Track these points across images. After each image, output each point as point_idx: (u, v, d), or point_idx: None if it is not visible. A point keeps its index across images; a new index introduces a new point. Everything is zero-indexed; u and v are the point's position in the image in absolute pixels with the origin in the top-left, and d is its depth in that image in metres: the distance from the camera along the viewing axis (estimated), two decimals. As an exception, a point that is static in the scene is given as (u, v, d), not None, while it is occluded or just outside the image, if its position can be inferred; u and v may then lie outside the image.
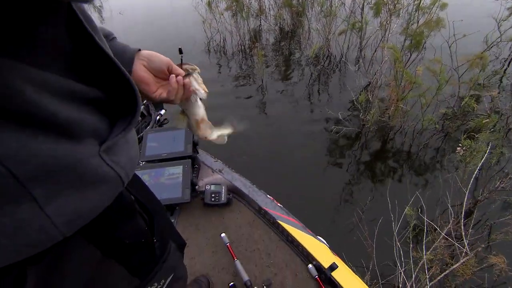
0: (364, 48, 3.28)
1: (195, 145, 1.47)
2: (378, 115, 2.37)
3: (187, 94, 0.57)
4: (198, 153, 1.52)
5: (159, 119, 2.26)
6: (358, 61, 3.35)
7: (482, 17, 4.02)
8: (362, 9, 3.06)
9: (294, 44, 4.19)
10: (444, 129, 2.55)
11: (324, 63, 3.63)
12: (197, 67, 0.59)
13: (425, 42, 2.73)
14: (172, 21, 5.33)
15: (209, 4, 3.85)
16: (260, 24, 4.64)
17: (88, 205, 0.37)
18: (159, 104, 2.33)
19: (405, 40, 2.96)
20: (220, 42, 4.18)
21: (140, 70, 0.53)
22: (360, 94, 2.46)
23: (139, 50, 0.54)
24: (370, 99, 2.40)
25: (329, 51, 3.64)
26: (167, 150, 1.43)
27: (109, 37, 0.54)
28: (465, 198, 1.71)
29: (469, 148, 1.74)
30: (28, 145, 0.29)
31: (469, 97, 2.40)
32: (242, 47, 4.04)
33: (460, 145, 1.92)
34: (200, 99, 0.60)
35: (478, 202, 1.85)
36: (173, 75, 0.54)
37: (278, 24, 4.58)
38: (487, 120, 2.03)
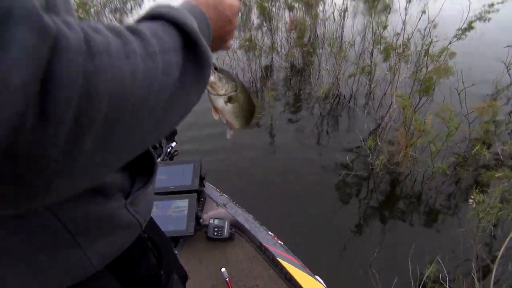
0: (373, 90, 3.32)
1: (202, 179, 1.51)
2: (386, 160, 2.35)
3: None
4: (204, 186, 1.55)
5: (169, 152, 2.31)
6: (368, 102, 3.38)
7: (491, 58, 4.08)
8: (372, 53, 3.15)
9: (304, 81, 4.29)
10: (455, 174, 2.49)
11: (334, 101, 3.68)
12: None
13: (434, 87, 2.75)
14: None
15: (223, 42, 4.03)
16: (272, 61, 4.80)
17: (116, 246, 0.46)
18: (170, 137, 2.38)
19: (414, 82, 3.00)
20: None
21: None
22: (368, 138, 2.46)
23: None
24: (379, 143, 2.39)
25: (338, 90, 3.70)
26: (175, 183, 1.49)
27: None
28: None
29: (482, 203, 1.68)
30: (81, 206, 0.38)
31: (480, 145, 2.37)
32: (254, 83, 4.15)
33: (472, 197, 1.87)
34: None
35: (495, 260, 1.76)
36: None
37: (289, 61, 4.73)
38: (499, 174, 1.98)
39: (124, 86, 0.25)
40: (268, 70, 4.54)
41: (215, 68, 0.60)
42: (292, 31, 4.56)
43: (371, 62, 3.06)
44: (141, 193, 0.49)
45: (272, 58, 4.79)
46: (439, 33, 3.10)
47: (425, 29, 3.13)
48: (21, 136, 0.20)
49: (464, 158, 2.56)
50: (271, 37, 5.80)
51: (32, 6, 0.20)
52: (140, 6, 14.32)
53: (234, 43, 4.17)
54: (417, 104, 2.91)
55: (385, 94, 3.04)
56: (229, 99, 0.66)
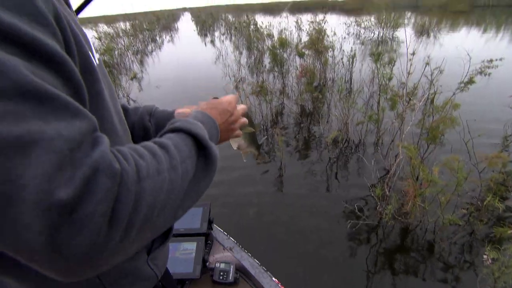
0: (381, 137, 3.38)
1: (210, 222, 1.57)
2: (395, 210, 2.33)
3: None
4: (212, 229, 1.60)
5: None
6: (376, 149, 3.43)
7: (497, 105, 4.13)
8: (378, 103, 3.26)
9: (314, 123, 4.41)
10: (468, 224, 2.44)
11: (343, 146, 3.74)
12: None
13: (441, 136, 2.80)
14: (202, 97, 5.86)
15: (236, 87, 4.27)
16: (283, 103, 4.99)
17: None
18: None
19: (421, 131, 3.05)
20: (244, 120, 4.49)
21: None
22: (377, 185, 2.47)
23: (174, 110, 0.76)
24: (387, 192, 2.40)
25: (347, 135, 3.78)
26: (184, 226, 1.54)
27: (153, 108, 0.78)
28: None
29: (497, 261, 1.64)
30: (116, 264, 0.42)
31: (491, 196, 2.34)
32: (264, 126, 4.29)
33: (486, 253, 1.82)
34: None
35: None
36: None
37: (299, 105, 4.90)
38: None
39: (157, 195, 0.36)
40: (278, 113, 4.71)
41: None
42: (302, 78, 4.78)
43: (378, 110, 3.16)
44: (160, 249, 0.64)
45: (283, 101, 4.99)
46: (444, 82, 3.22)
47: (431, 78, 3.26)
48: (98, 239, 0.30)
49: (476, 208, 2.51)
50: (282, 80, 6.09)
51: (109, 160, 0.32)
52: (160, 48, 15.28)
53: (246, 88, 4.40)
54: (425, 152, 2.94)
55: (392, 141, 3.10)
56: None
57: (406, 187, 2.25)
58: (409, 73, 2.92)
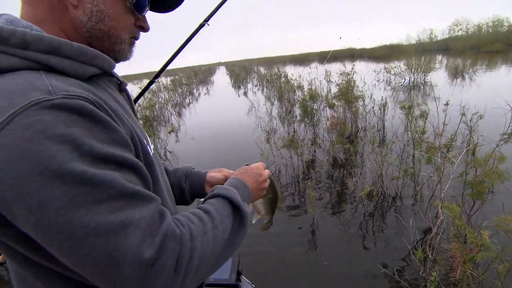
0: (419, 191, 3.20)
1: (239, 273, 1.56)
2: (442, 277, 2.12)
3: None
4: (240, 281, 1.56)
5: None
6: (414, 204, 3.23)
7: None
8: (413, 156, 3.16)
9: (346, 176, 4.31)
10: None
11: (378, 200, 3.58)
12: None
13: (488, 192, 2.59)
14: (235, 148, 6.07)
15: (267, 140, 4.40)
16: (315, 154, 5.00)
17: None
18: None
19: (464, 185, 2.86)
20: (275, 172, 4.53)
21: (207, 188, 0.90)
22: (417, 245, 2.29)
23: (207, 171, 0.93)
24: (430, 255, 2.21)
25: (382, 188, 3.63)
26: (214, 276, 1.54)
27: (189, 169, 0.94)
28: None
29: None
30: None
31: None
32: (296, 179, 4.28)
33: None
34: None
35: None
36: None
37: (331, 156, 4.88)
38: None
39: (205, 249, 0.52)
40: (310, 165, 4.70)
41: None
42: (333, 131, 4.82)
43: (413, 164, 3.04)
44: None
45: (314, 151, 5.00)
46: (484, 129, 3.05)
47: (470, 124, 3.12)
48: (169, 282, 0.46)
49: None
50: (313, 130, 6.17)
51: (173, 227, 0.49)
52: (196, 100, 16.39)
53: (278, 142, 4.52)
54: (471, 209, 2.72)
55: (432, 196, 2.91)
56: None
57: (452, 251, 2.06)
58: (444, 124, 2.85)
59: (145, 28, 0.64)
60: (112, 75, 0.63)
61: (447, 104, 2.74)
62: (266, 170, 0.86)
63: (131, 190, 0.45)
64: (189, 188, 0.92)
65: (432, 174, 2.81)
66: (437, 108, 3.72)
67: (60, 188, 0.39)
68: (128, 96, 0.70)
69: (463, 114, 2.94)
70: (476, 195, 2.56)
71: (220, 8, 1.34)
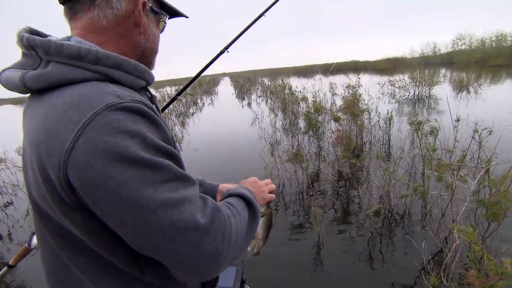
0: (429, 211, 3.07)
1: (242, 282, 1.57)
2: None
3: None
4: None
5: None
6: (424, 224, 3.10)
7: None
8: (423, 174, 3.04)
9: (352, 189, 4.20)
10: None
11: (385, 217, 3.45)
12: None
13: (504, 214, 2.47)
14: (238, 160, 5.98)
15: (272, 153, 4.31)
16: (319, 168, 4.89)
17: None
18: None
19: (477, 205, 2.73)
20: (279, 186, 4.42)
21: (218, 198, 0.99)
22: (430, 273, 2.17)
23: (219, 184, 1.04)
24: (444, 282, 2.08)
25: (390, 204, 3.51)
26: (219, 284, 1.48)
27: (202, 180, 1.06)
28: None
29: None
30: None
31: None
32: (300, 194, 4.17)
33: None
34: None
35: None
36: None
37: (336, 170, 4.77)
38: None
39: (236, 227, 0.61)
40: (314, 179, 4.59)
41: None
42: (339, 145, 4.72)
43: (423, 181, 2.92)
44: None
45: (319, 166, 4.90)
46: (492, 143, 2.94)
47: (480, 143, 3.02)
48: (219, 247, 0.55)
49: None
50: (317, 143, 6.08)
51: (216, 204, 0.61)
52: (200, 110, 16.44)
53: (282, 155, 4.43)
54: (486, 231, 2.59)
55: (443, 215, 2.79)
56: (262, 215, 1.00)
57: (469, 279, 1.93)
58: (456, 141, 2.75)
59: None
60: (147, 89, 0.75)
61: (458, 120, 2.65)
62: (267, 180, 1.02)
63: (182, 174, 0.57)
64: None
65: (443, 193, 2.69)
66: (441, 121, 3.63)
67: (135, 171, 0.49)
68: (158, 109, 0.79)
69: (476, 131, 2.84)
70: (492, 216, 2.44)
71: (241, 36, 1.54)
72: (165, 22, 0.78)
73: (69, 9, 0.64)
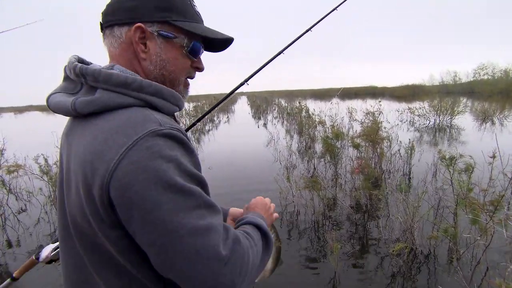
0: (461, 256, 2.80)
1: None
2: None
3: None
4: None
5: None
6: (458, 265, 2.82)
7: None
8: (455, 214, 2.79)
9: (371, 223, 3.96)
10: None
11: (407, 257, 3.19)
12: None
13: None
14: (252, 181, 5.85)
15: (288, 178, 4.17)
16: (336, 197, 4.69)
17: None
18: None
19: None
20: (293, 213, 4.24)
21: (229, 221, 0.99)
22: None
23: (229, 209, 1.04)
24: None
25: (413, 242, 3.25)
26: None
27: None
28: None
29: None
30: None
31: None
32: (316, 223, 3.97)
33: None
34: None
35: None
36: None
37: (354, 198, 4.55)
38: None
39: (253, 258, 0.63)
40: (331, 208, 4.39)
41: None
42: (359, 174, 4.53)
43: (454, 222, 2.69)
44: None
45: (335, 194, 4.70)
46: None
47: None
48: (236, 278, 0.57)
49: None
50: (334, 169, 5.89)
51: (237, 235, 0.63)
52: (216, 128, 16.60)
53: (299, 181, 4.27)
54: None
55: (478, 263, 2.53)
56: None
57: None
58: (491, 179, 2.54)
59: (200, 68, 0.79)
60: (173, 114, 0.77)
61: (493, 156, 2.45)
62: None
63: (210, 202, 0.59)
64: None
65: (478, 237, 2.44)
66: (467, 149, 3.40)
67: (169, 195, 0.53)
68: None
69: None
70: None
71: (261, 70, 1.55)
72: (191, 46, 0.73)
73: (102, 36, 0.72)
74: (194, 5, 0.73)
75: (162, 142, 0.55)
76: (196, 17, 0.73)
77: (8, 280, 1.24)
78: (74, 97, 0.62)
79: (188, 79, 0.78)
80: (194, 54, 0.75)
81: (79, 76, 0.63)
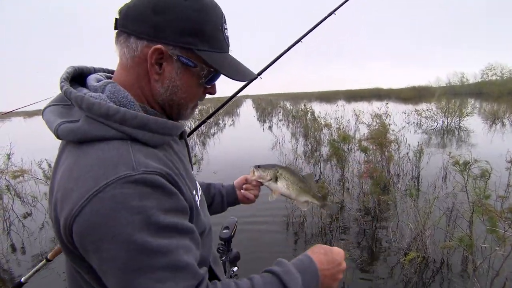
0: (478, 266, 2.66)
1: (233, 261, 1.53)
2: None
3: (257, 184, 1.13)
4: None
5: (231, 275, 2.15)
6: (466, 270, 2.69)
7: None
8: (471, 223, 2.66)
9: (380, 229, 3.84)
10: None
11: (418, 266, 3.06)
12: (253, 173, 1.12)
13: None
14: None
15: (293, 183, 4.07)
16: (343, 201, 4.58)
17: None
18: (233, 262, 2.24)
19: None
20: (300, 219, 4.15)
21: (239, 193, 1.13)
22: None
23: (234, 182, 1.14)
24: None
25: (425, 250, 3.13)
26: None
27: (221, 183, 1.18)
28: None
29: None
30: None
31: None
32: (323, 230, 3.87)
33: None
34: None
35: None
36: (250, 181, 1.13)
37: (362, 203, 4.44)
38: None
39: None
40: (338, 212, 4.28)
41: (258, 166, 1.08)
42: (367, 179, 4.41)
43: (470, 231, 2.56)
44: None
45: (343, 198, 4.59)
46: None
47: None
48: None
49: None
50: (341, 172, 5.78)
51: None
52: (221, 131, 16.58)
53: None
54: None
55: (497, 275, 2.40)
56: (276, 179, 1.04)
57: None
58: (509, 185, 2.42)
59: (212, 93, 0.75)
60: None
61: (511, 161, 2.33)
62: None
63: (180, 264, 0.54)
64: (226, 194, 1.14)
65: (497, 248, 2.32)
66: (478, 152, 3.25)
67: (122, 253, 0.50)
68: (186, 143, 0.82)
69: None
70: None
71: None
72: (209, 77, 0.68)
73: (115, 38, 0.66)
74: (225, 29, 0.67)
75: (130, 191, 0.52)
76: (223, 45, 0.67)
77: (44, 261, 1.34)
78: (60, 120, 0.60)
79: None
80: (209, 83, 0.71)
81: (67, 99, 0.62)
